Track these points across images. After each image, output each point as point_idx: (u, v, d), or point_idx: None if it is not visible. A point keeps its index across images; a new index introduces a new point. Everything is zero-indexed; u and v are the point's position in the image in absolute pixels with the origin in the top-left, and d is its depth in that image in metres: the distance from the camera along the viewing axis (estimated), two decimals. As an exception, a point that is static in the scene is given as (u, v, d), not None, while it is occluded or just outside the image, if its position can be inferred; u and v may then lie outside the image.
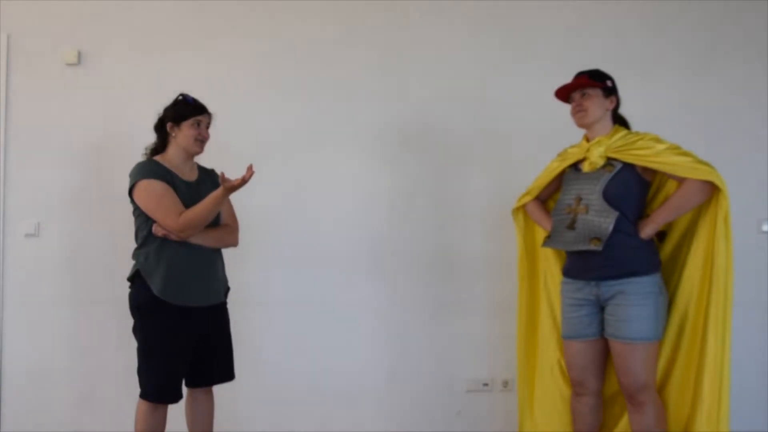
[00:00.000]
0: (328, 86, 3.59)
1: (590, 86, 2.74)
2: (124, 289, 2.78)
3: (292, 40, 3.58)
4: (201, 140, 2.82)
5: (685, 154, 2.64)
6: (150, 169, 2.74)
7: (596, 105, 2.74)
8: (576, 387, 2.83)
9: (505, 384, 3.59)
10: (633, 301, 2.61)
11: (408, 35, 3.62)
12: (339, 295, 3.56)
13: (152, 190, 2.70)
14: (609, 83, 2.77)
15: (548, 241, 2.86)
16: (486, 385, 3.61)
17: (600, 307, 2.73)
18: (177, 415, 2.87)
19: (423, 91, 3.61)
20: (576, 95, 2.79)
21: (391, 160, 3.61)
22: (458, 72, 3.62)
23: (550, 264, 3.01)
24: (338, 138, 3.59)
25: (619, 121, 2.84)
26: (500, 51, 3.64)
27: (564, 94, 2.82)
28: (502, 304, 3.47)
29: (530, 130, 3.56)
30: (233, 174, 2.63)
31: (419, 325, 3.61)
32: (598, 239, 2.63)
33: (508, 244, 3.38)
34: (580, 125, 2.81)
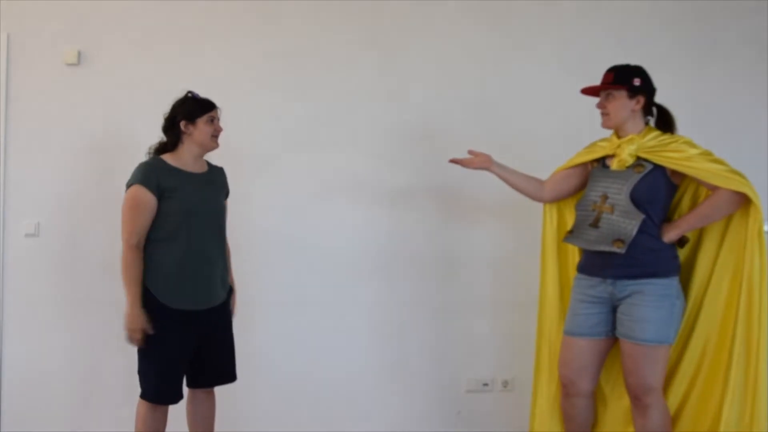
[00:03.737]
0: (328, 86, 3.58)
1: (614, 88, 2.67)
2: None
3: (292, 40, 3.58)
4: (216, 136, 2.81)
5: (718, 161, 2.60)
6: (150, 173, 2.70)
7: (619, 108, 2.68)
8: (567, 387, 2.78)
9: (505, 384, 3.59)
10: (649, 302, 2.58)
11: (408, 35, 3.62)
12: (338, 295, 3.56)
13: (134, 198, 2.68)
14: (637, 81, 2.67)
15: (570, 237, 2.81)
16: (486, 385, 3.61)
17: (612, 306, 2.69)
18: (178, 415, 2.87)
19: (423, 91, 3.61)
20: (601, 94, 2.73)
21: (391, 159, 3.60)
22: (459, 71, 3.62)
23: (569, 259, 2.94)
24: (339, 138, 3.58)
25: (659, 113, 2.76)
26: (501, 50, 3.64)
27: (592, 89, 2.75)
28: (503, 303, 3.47)
29: (531, 129, 3.55)
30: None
31: (419, 325, 3.60)
32: (622, 241, 2.59)
33: (509, 243, 3.39)
34: (605, 127, 2.75)
